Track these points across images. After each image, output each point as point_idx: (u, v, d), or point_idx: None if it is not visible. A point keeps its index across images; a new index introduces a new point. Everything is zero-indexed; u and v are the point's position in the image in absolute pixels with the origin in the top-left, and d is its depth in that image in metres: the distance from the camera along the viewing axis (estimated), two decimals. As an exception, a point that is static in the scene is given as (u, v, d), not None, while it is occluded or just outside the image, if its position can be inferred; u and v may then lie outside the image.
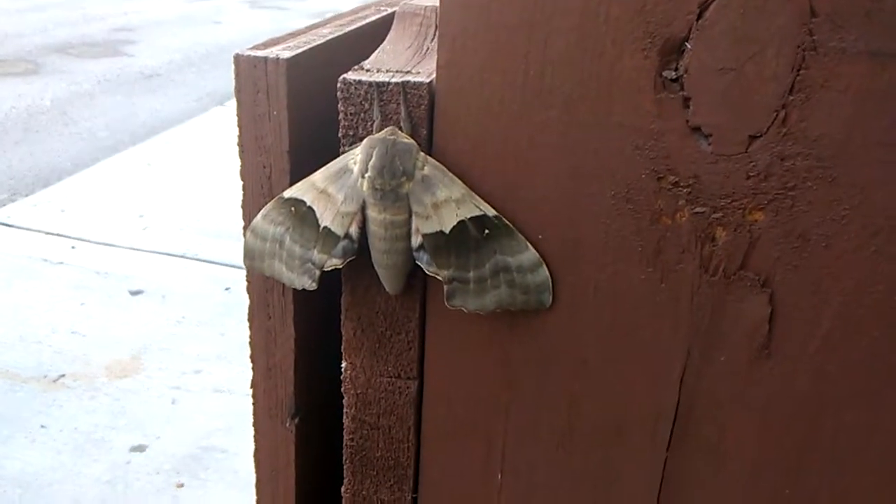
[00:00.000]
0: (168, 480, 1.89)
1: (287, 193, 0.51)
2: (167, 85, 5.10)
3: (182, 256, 2.92)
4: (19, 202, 3.33)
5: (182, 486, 1.89)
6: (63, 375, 2.25)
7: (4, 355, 2.31)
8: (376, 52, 0.54)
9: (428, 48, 0.54)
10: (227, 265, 2.83)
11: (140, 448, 2.00)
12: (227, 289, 2.69)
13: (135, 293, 2.68)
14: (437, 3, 0.58)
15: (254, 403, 0.60)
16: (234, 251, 2.95)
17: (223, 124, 4.33)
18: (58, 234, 3.03)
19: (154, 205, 3.33)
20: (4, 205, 3.30)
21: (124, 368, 2.31)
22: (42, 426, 2.05)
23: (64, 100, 4.71)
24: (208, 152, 3.94)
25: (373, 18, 0.63)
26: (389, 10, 0.67)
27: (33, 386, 2.20)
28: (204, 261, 2.89)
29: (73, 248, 2.93)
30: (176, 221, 3.19)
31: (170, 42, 6.13)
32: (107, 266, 2.82)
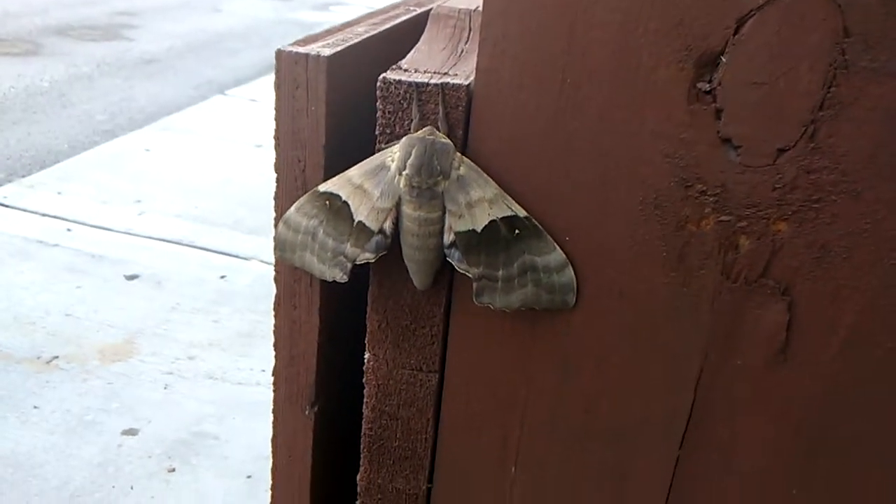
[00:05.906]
0: (159, 465, 1.89)
1: (322, 187, 0.52)
2: (167, 71, 5.07)
3: (178, 243, 2.92)
4: (16, 183, 3.31)
5: (174, 470, 1.89)
6: (56, 357, 2.25)
7: (-2, 336, 2.31)
8: (412, 52, 0.55)
9: (463, 50, 0.55)
10: (222, 253, 2.83)
11: (132, 432, 2.00)
12: (222, 277, 2.69)
13: (130, 278, 2.68)
14: (470, 6, 0.59)
15: (274, 391, 0.61)
16: (230, 239, 2.94)
17: (224, 113, 4.32)
18: (54, 216, 3.01)
19: (151, 190, 3.32)
20: (1, 185, 3.29)
21: (118, 352, 2.31)
22: (35, 407, 2.05)
23: (63, 82, 4.68)
24: (207, 141, 3.93)
25: (404, 18, 0.64)
26: (419, 11, 0.68)
27: (26, 367, 2.20)
28: (200, 248, 2.89)
29: (68, 230, 2.92)
30: (172, 208, 3.18)
31: (170, 28, 6.09)
32: (102, 250, 2.81)
